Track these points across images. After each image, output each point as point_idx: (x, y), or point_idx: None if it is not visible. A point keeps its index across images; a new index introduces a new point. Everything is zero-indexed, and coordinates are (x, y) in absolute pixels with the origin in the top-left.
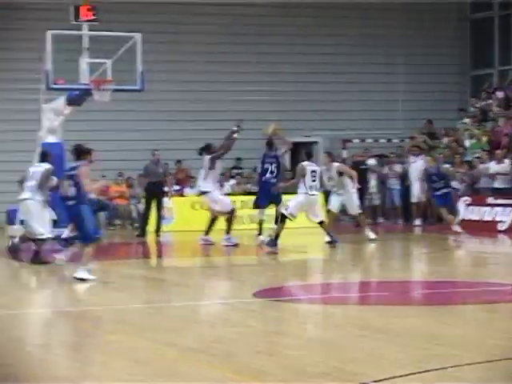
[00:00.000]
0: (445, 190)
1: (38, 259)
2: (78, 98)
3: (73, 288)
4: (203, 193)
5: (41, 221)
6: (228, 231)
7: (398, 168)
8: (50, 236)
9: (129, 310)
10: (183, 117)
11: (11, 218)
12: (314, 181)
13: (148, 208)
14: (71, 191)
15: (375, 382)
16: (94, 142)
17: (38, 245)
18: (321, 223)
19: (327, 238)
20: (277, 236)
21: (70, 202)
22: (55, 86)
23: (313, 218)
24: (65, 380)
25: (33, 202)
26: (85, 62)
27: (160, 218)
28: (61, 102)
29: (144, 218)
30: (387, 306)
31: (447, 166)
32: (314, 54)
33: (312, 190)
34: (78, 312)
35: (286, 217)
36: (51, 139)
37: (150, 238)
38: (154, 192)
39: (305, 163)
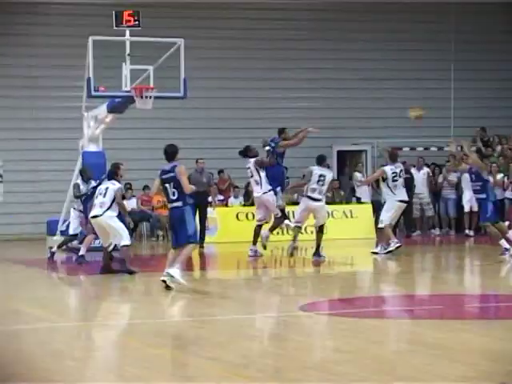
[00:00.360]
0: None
1: (123, 269)
2: (119, 106)
3: (115, 300)
4: (264, 193)
5: (115, 232)
6: (272, 230)
7: (453, 177)
8: (128, 243)
9: (172, 324)
10: (226, 125)
11: (51, 228)
12: (322, 185)
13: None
14: (174, 194)
15: None
16: (134, 151)
17: (121, 252)
18: (318, 230)
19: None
20: (294, 238)
21: (175, 204)
22: (97, 94)
23: (318, 223)
24: None
25: (103, 218)
26: (127, 68)
27: (204, 228)
28: (102, 109)
29: None
30: (438, 319)
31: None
32: (363, 60)
33: (314, 193)
34: (119, 325)
35: (298, 227)
36: (92, 148)
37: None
38: (198, 202)
39: (313, 167)
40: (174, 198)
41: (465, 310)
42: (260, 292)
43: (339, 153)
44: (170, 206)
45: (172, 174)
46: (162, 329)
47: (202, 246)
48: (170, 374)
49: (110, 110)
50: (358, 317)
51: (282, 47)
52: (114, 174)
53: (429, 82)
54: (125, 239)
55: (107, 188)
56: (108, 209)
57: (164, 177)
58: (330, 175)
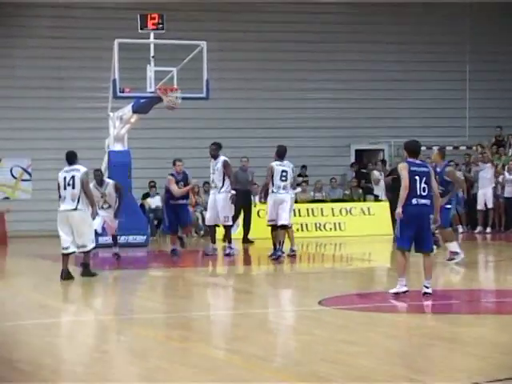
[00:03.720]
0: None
1: (88, 273)
2: (144, 106)
3: (140, 295)
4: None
5: (83, 231)
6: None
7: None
8: (93, 246)
9: (195, 318)
10: (247, 125)
11: None
12: (284, 180)
13: (236, 216)
14: (424, 190)
15: None
16: (158, 150)
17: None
18: (283, 227)
19: (292, 248)
20: (280, 243)
21: (423, 201)
22: (122, 95)
23: (279, 221)
24: None
25: (76, 214)
26: (151, 70)
27: (248, 226)
28: (127, 110)
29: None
30: (454, 314)
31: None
32: (379, 61)
33: (279, 190)
34: (144, 319)
35: (274, 226)
36: (118, 147)
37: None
38: (243, 201)
39: (274, 163)
40: (424, 194)
41: (480, 305)
42: (280, 287)
43: (357, 151)
44: (415, 200)
45: (426, 170)
46: (185, 323)
47: (246, 242)
48: (193, 366)
49: (135, 111)
50: (374, 311)
51: (302, 49)
52: (75, 157)
53: (445, 83)
54: (92, 242)
55: (73, 176)
56: (79, 201)
57: (416, 169)
58: (289, 169)
